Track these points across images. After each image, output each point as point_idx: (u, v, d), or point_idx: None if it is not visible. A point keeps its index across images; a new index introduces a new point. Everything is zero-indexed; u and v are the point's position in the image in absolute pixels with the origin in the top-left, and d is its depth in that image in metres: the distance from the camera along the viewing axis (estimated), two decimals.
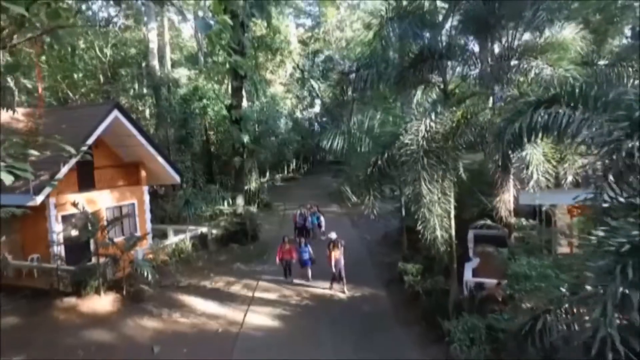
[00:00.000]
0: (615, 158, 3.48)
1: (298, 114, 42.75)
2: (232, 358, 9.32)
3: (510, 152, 6.38)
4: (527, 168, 7.65)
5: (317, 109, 47.29)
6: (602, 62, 8.33)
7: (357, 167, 10.34)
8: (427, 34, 8.85)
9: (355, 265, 14.37)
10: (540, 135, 5.24)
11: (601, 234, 3.60)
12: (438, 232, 7.81)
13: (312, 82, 37.52)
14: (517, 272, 6.75)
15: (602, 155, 3.70)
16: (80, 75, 30.96)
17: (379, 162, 8.91)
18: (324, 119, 42.74)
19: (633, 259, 3.20)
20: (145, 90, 30.40)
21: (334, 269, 12.87)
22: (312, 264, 13.80)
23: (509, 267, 7.38)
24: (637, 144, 3.34)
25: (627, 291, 3.14)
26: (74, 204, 12.60)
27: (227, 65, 19.24)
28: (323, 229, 18.97)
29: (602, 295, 3.25)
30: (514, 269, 6.97)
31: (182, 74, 29.13)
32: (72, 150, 10.45)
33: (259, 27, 25.87)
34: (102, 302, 12.22)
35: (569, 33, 8.88)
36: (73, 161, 13.66)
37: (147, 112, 31.35)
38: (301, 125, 38.60)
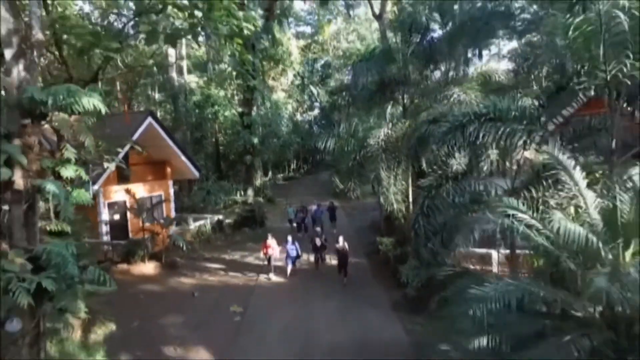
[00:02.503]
0: (438, 151, 7.45)
1: (298, 117, 46.73)
2: (251, 299, 13.35)
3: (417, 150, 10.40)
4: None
5: (316, 111, 51.32)
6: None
7: (343, 161, 14.34)
8: (390, 67, 12.92)
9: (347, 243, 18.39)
10: (430, 141, 9.20)
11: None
12: (395, 205, 11.84)
13: (312, 87, 41.57)
14: None
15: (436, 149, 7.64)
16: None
17: (357, 157, 12.97)
18: (323, 122, 46.81)
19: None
20: (157, 96, 34.38)
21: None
22: (298, 259, 15.38)
23: None
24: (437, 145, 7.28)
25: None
26: (128, 191, 16.64)
27: (241, 81, 23.31)
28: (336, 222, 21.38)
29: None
30: None
31: (192, 79, 33.14)
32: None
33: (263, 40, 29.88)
34: (147, 268, 16.24)
35: (495, 65, 12.94)
36: (120, 156, 17.70)
37: (159, 115, 35.36)
38: (301, 128, 42.50)
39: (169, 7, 11.58)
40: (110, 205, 18.65)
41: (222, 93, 31.28)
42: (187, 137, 27.89)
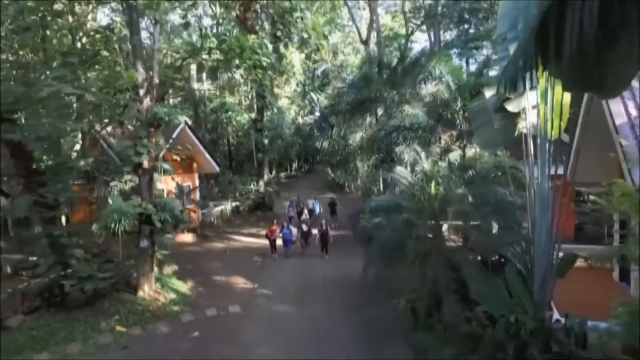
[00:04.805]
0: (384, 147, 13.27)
1: (300, 120, 52.85)
2: (266, 256, 19.33)
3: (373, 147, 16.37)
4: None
5: (316, 114, 57.50)
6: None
7: (334, 157, 20.42)
8: (367, 89, 19.01)
9: (339, 224, 24.49)
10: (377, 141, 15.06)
11: None
12: (368, 185, 17.87)
13: (312, 94, 47.72)
14: None
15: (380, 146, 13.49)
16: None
17: (343, 153, 19.05)
18: (322, 124, 53.10)
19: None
20: (171, 101, 40.52)
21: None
22: (292, 244, 19.09)
23: None
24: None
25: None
26: (174, 179, 22.72)
27: (254, 93, 29.56)
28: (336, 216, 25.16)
29: None
30: None
31: (203, 86, 39.19)
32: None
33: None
34: (186, 237, 22.25)
35: (433, 88, 18.92)
36: (163, 152, 23.76)
37: None
38: (302, 130, 48.53)
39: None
40: None
41: (231, 99, 37.37)
42: (205, 138, 33.98)
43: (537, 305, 8.28)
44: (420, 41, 53.49)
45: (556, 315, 9.30)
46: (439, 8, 27.75)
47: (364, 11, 36.49)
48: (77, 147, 24.49)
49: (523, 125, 10.02)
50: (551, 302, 8.87)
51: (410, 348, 10.19)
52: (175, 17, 29.11)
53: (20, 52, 21.10)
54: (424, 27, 41.12)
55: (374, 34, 29.01)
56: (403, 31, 36.53)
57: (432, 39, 32.60)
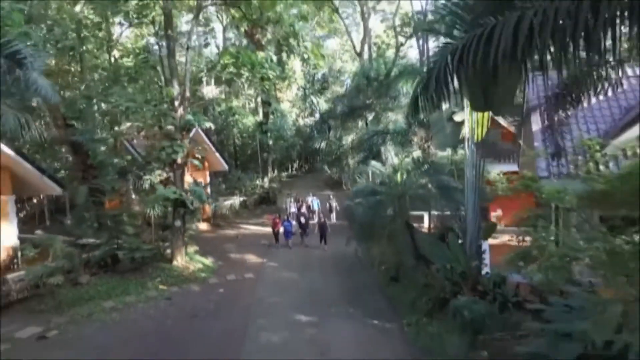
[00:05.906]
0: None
1: (300, 122, 56.48)
2: (273, 241, 23.01)
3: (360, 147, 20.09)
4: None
5: (316, 115, 61.11)
6: None
7: (330, 156, 24.15)
8: (358, 98, 22.74)
9: (336, 216, 28.22)
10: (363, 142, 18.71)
11: None
12: (358, 179, 21.61)
13: (312, 97, 51.43)
14: None
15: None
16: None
17: (337, 152, 22.78)
18: (323, 125, 56.70)
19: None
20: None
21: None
22: (292, 236, 21.45)
23: None
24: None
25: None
26: (192, 175, 26.44)
27: (260, 99, 33.43)
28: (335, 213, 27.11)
29: None
30: None
31: (209, 90, 42.97)
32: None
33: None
34: (202, 226, 25.94)
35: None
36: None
37: None
38: (303, 132, 52.18)
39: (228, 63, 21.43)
40: None
41: (236, 103, 41.12)
42: (214, 140, 37.71)
43: (467, 257, 12.00)
44: (416, 46, 57.52)
45: (488, 270, 13.00)
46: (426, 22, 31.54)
47: (360, 23, 40.19)
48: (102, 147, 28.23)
49: (464, 132, 13.79)
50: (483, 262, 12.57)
51: (384, 297, 13.90)
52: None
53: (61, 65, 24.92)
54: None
55: (367, 47, 32.72)
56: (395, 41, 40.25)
57: (421, 48, 36.27)
